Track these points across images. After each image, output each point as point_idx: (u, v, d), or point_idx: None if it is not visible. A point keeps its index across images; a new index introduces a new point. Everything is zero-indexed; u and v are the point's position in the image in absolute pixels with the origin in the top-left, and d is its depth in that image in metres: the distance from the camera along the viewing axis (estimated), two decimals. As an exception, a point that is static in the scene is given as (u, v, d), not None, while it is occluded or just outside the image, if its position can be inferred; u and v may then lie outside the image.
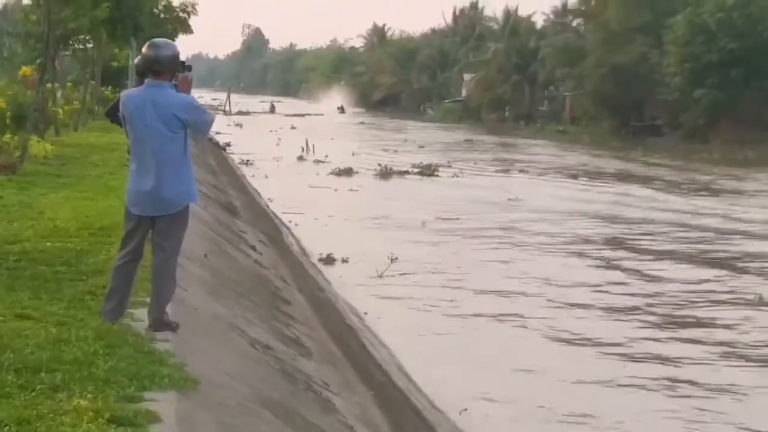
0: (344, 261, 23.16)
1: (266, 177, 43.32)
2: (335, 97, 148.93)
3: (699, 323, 18.70)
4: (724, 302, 20.68)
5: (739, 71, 74.00)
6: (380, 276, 21.50)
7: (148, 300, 8.60)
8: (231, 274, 14.18)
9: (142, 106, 8.26)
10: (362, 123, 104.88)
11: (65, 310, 8.78)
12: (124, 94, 8.71)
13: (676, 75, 78.35)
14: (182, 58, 8.70)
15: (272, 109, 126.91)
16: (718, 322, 18.74)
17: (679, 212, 35.93)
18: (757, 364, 16.07)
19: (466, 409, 12.37)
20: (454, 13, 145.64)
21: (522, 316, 18.53)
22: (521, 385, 14.23)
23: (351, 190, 40.12)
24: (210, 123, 8.75)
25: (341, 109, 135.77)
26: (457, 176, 48.13)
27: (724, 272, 24.15)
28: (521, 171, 51.81)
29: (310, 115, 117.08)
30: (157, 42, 8.57)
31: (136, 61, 8.87)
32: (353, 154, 56.55)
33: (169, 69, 8.38)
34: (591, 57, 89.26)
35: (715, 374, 15.19)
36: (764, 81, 74.07)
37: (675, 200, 40.08)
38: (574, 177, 49.97)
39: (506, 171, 52.16)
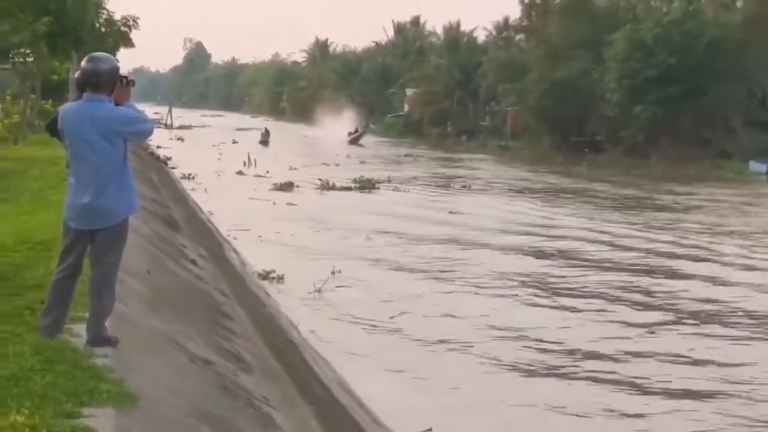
0: (283, 277, 23.08)
1: (206, 191, 43.12)
2: (343, 119, 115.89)
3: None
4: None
5: (677, 87, 74.82)
6: (318, 291, 21.46)
7: (86, 315, 8.53)
8: (171, 289, 14.10)
9: (81, 120, 8.21)
10: (305, 136, 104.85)
11: (2, 326, 8.69)
12: (62, 108, 8.64)
13: (615, 91, 79.12)
14: (124, 71, 8.65)
15: (265, 138, 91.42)
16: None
17: (613, 226, 36.26)
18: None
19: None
20: (395, 27, 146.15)
21: (462, 333, 18.59)
22: (461, 401, 14.27)
23: (290, 204, 40.05)
24: (149, 131, 8.72)
25: (354, 133, 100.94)
26: (398, 191, 48.22)
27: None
28: (463, 186, 52.00)
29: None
30: (96, 56, 8.52)
31: (76, 75, 8.81)
32: (292, 169, 56.47)
33: (108, 83, 8.33)
34: (532, 72, 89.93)
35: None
36: (702, 97, 74.92)
37: (609, 216, 40.43)
38: (515, 192, 50.28)
39: (447, 186, 52.32)
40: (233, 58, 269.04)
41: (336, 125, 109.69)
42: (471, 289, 23.20)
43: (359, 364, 15.64)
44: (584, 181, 57.78)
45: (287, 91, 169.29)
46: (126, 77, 8.71)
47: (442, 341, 17.85)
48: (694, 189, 53.03)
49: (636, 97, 76.54)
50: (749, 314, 21.28)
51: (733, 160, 69.32)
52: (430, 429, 12.54)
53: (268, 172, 53.47)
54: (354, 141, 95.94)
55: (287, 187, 46.82)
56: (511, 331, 18.90)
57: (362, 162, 67.05)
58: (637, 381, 15.61)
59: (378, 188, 48.69)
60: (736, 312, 21.50)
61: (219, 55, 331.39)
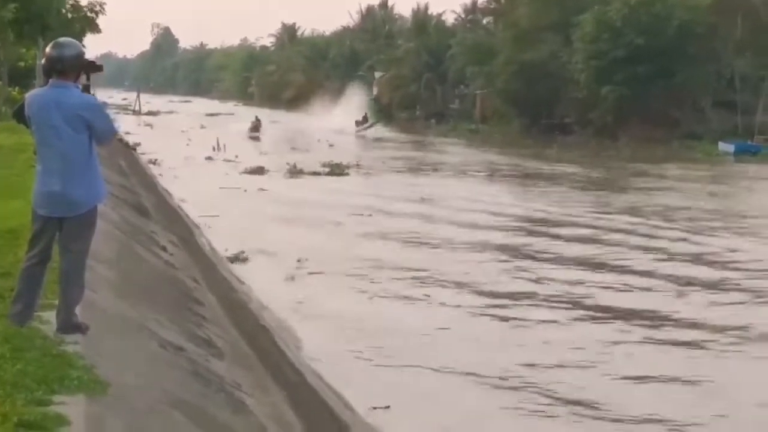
0: (255, 261, 23.07)
1: (175, 177, 42.99)
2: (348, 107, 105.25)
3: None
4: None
5: (645, 68, 74.93)
6: (287, 276, 21.45)
7: (56, 302, 8.48)
8: (141, 276, 14.06)
9: (47, 106, 8.16)
10: (275, 122, 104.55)
11: (-29, 314, 8.64)
12: (29, 94, 8.59)
13: (583, 72, 79.20)
14: (91, 57, 8.59)
15: (256, 128, 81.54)
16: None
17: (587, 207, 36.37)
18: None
19: (376, 408, 12.43)
20: (361, 11, 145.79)
21: (433, 315, 18.63)
22: (431, 383, 14.28)
23: (261, 189, 39.97)
24: (112, 131, 8.65)
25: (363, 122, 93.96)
26: (369, 175, 48.21)
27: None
28: (433, 170, 52.02)
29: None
30: (61, 42, 8.46)
31: (42, 61, 8.75)
32: (261, 153, 56.38)
33: (73, 69, 8.27)
34: (501, 55, 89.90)
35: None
36: (670, 78, 75.12)
37: (580, 197, 40.53)
38: (486, 176, 50.40)
39: (417, 170, 52.33)
40: (201, 43, 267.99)
41: (336, 113, 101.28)
42: (442, 277, 23.18)
43: (332, 347, 15.64)
44: (554, 164, 57.85)
45: (256, 75, 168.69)
46: (94, 62, 8.66)
47: (411, 325, 17.88)
48: (662, 170, 53.18)
49: (604, 78, 76.62)
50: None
51: (702, 141, 69.56)
52: (388, 406, 12.62)
53: (237, 156, 53.38)
54: (363, 130, 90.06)
55: (257, 172, 46.75)
56: (482, 310, 18.95)
57: (331, 146, 66.94)
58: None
59: (348, 173, 48.64)
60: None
61: (187, 41, 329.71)
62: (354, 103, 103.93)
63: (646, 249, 27.04)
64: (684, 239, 29.05)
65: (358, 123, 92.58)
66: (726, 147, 66.22)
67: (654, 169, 53.35)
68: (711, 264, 25.01)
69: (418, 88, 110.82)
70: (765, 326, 18.02)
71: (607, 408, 13.27)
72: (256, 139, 75.11)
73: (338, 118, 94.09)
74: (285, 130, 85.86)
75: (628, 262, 24.88)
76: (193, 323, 12.24)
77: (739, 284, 22.36)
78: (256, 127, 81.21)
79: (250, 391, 10.23)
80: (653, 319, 18.62)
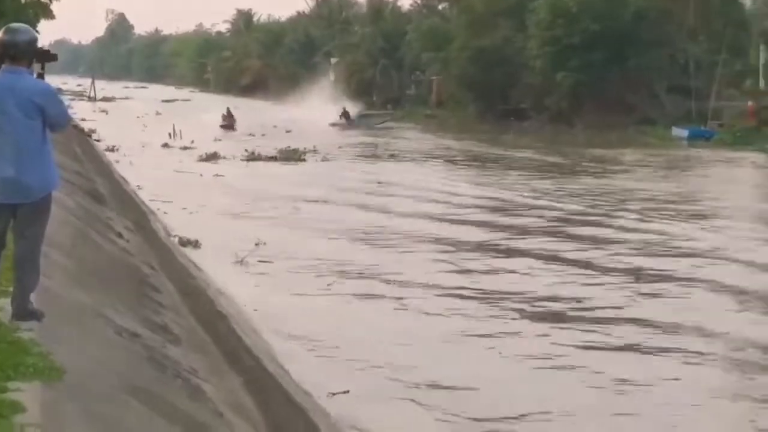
0: (209, 247, 23.02)
1: (131, 164, 42.83)
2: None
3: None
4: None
5: (600, 54, 75.14)
6: (242, 262, 21.42)
7: (11, 289, 8.45)
8: (97, 262, 14.00)
9: (0, 92, 8.12)
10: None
11: (-75, 302, 8.59)
12: (-19, 81, 8.53)
13: (538, 58, 79.31)
14: (45, 44, 8.56)
15: (229, 120, 73.86)
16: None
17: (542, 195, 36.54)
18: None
19: (334, 394, 12.46)
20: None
21: (390, 297, 18.68)
22: (387, 365, 14.33)
23: (217, 175, 39.89)
24: (66, 117, 8.62)
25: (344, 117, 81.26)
26: (326, 161, 48.19)
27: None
28: (390, 156, 52.04)
29: None
30: (14, 27, 8.43)
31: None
32: (217, 140, 56.24)
33: (27, 54, 8.24)
34: (456, 41, 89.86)
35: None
36: (625, 63, 75.40)
37: (537, 185, 40.68)
38: (443, 161, 50.52)
39: (374, 155, 52.34)
40: (156, 29, 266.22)
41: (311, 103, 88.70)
42: (398, 260, 23.24)
43: (287, 332, 15.66)
44: (510, 150, 58.05)
45: (211, 62, 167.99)
46: (48, 51, 8.63)
47: (368, 302, 17.95)
48: (617, 155, 53.45)
49: (559, 64, 76.74)
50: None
51: (656, 126, 69.89)
52: (348, 391, 12.67)
53: (193, 142, 53.24)
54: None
55: (213, 158, 46.67)
56: (435, 292, 19.02)
57: (288, 131, 66.82)
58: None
59: (305, 159, 48.60)
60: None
61: (142, 27, 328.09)
62: (321, 91, 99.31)
63: (597, 241, 27.07)
64: (633, 227, 28.95)
65: (345, 117, 79.88)
66: (679, 132, 66.61)
67: (608, 155, 53.60)
68: (655, 252, 24.76)
69: (374, 74, 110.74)
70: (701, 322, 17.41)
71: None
72: (230, 128, 70.10)
73: (315, 110, 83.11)
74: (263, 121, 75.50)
75: (584, 254, 24.76)
76: (149, 309, 12.21)
77: (681, 273, 21.89)
78: (228, 119, 73.53)
79: (207, 376, 10.22)
80: (593, 309, 18.64)
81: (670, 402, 13.14)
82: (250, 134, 63.31)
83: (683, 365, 14.90)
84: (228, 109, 75.34)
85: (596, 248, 25.05)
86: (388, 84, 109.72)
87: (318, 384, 12.66)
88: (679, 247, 25.15)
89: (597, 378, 14.09)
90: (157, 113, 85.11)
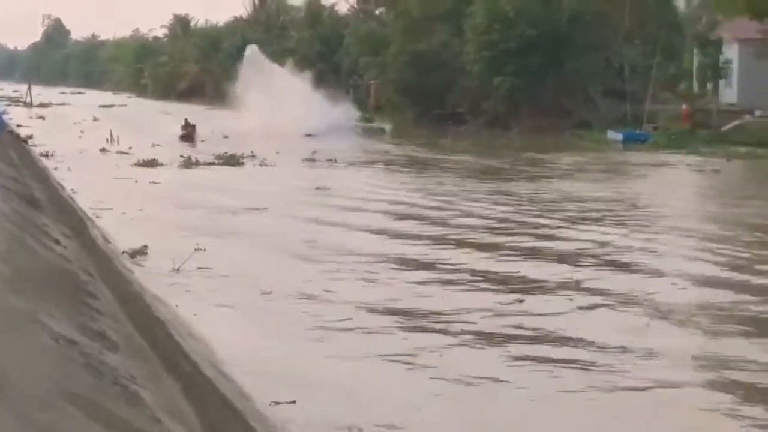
0: (148, 254, 22.98)
1: (69, 169, 42.56)
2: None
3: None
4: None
5: (536, 58, 75.58)
6: (177, 270, 21.38)
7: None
8: (33, 268, 13.92)
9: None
10: (166, 113, 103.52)
11: None
12: None
13: (476, 63, 79.56)
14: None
15: (189, 131, 67.36)
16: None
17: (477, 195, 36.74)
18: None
19: (279, 403, 12.50)
20: (254, 2, 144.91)
21: (326, 309, 18.75)
22: (327, 370, 14.40)
23: (153, 182, 39.75)
24: (2, 124, 8.63)
25: None
26: (264, 165, 48.14)
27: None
28: (328, 160, 52.04)
29: None
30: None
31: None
32: (155, 145, 56.01)
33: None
34: (392, 45, 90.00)
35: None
36: (561, 68, 75.92)
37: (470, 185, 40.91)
38: (382, 165, 50.67)
39: (312, 160, 52.31)
40: (93, 34, 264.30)
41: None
42: (336, 267, 23.29)
43: (223, 338, 15.67)
44: (448, 154, 58.27)
45: (148, 67, 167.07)
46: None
47: (306, 314, 17.98)
48: (552, 159, 53.81)
49: (496, 69, 77.07)
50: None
51: (592, 130, 70.38)
52: (294, 401, 12.67)
53: (131, 148, 53.01)
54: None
55: (150, 164, 46.50)
56: (375, 307, 19.11)
57: (225, 137, 66.61)
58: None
59: (243, 164, 48.53)
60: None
61: (78, 32, 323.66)
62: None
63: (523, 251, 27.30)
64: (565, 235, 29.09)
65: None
66: (615, 135, 67.16)
67: (545, 158, 53.96)
68: (573, 256, 24.86)
69: (312, 78, 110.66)
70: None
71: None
72: (189, 139, 64.02)
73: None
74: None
75: (512, 265, 24.91)
76: (86, 316, 12.16)
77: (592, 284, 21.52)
78: (188, 129, 67.08)
79: (145, 383, 10.22)
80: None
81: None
82: (184, 137, 63.25)
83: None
84: (186, 119, 68.18)
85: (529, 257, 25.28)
86: (326, 88, 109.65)
87: (261, 389, 12.70)
88: (610, 254, 25.27)
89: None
90: (95, 119, 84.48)
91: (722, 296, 19.94)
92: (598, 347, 16.04)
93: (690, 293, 20.44)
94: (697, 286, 21.09)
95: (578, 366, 15.08)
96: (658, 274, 22.22)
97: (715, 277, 22.00)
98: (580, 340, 16.42)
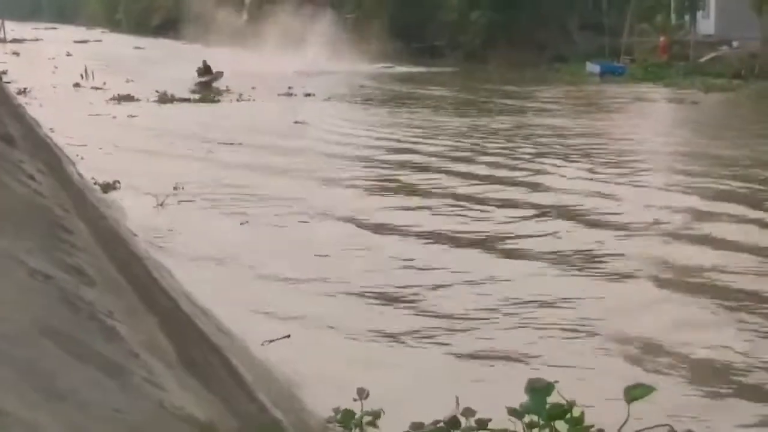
0: (126, 188, 22.89)
1: (43, 106, 42.26)
2: None
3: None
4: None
5: (514, -8, 75.38)
6: (161, 204, 21.33)
7: None
8: (8, 205, 13.82)
9: None
10: (138, 48, 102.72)
11: None
12: None
13: (454, -4, 79.34)
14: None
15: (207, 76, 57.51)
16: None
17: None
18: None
19: (273, 341, 12.49)
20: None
21: (309, 244, 18.73)
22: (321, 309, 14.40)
23: (130, 116, 39.57)
24: None
25: None
26: (241, 101, 47.91)
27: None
28: (306, 95, 51.77)
29: None
30: None
31: None
32: (129, 81, 55.65)
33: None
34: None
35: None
36: (538, 2, 75.71)
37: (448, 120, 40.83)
38: (361, 100, 50.53)
39: (290, 94, 52.08)
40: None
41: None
42: (311, 204, 23.27)
43: (204, 275, 15.63)
44: (427, 87, 58.14)
45: (123, 2, 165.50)
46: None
47: (289, 250, 17.97)
48: (532, 92, 53.79)
49: (473, 3, 76.90)
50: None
51: (569, 63, 70.33)
52: (288, 335, 12.65)
53: (105, 83, 52.66)
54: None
55: (126, 99, 46.24)
56: (352, 231, 19.11)
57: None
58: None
59: (219, 100, 48.31)
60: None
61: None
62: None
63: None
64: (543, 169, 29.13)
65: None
66: (592, 68, 67.11)
67: (522, 92, 53.90)
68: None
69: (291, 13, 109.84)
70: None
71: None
72: (208, 87, 55.05)
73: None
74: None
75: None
76: (62, 251, 12.07)
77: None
78: (207, 75, 57.42)
79: (122, 318, 10.18)
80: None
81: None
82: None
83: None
84: (204, 61, 58.75)
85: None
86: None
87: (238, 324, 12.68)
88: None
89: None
90: (68, 54, 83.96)
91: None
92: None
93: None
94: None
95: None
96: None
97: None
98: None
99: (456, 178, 25.97)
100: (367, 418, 8.11)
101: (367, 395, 8.27)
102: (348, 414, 8.29)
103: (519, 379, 7.45)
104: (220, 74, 57.19)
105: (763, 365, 11.87)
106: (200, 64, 58.72)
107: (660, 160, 29.53)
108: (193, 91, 52.02)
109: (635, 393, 6.17)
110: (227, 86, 52.44)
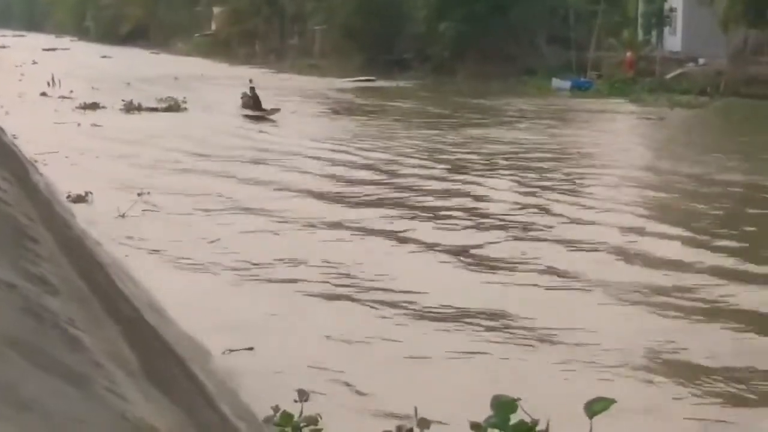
0: (91, 199, 22.82)
1: (8, 113, 42.04)
2: None
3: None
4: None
5: (482, 5, 75.40)
6: (122, 216, 21.26)
7: None
8: (-28, 213, 13.79)
9: None
10: (105, 57, 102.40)
11: None
12: None
13: (422, 9, 79.40)
14: None
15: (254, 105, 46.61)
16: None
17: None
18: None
19: (233, 351, 12.48)
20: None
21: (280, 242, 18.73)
22: (280, 320, 14.41)
23: (94, 125, 39.44)
24: None
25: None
26: (207, 111, 47.83)
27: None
28: (273, 108, 51.58)
29: None
30: None
31: None
32: (94, 89, 55.48)
33: None
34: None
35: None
36: (506, 15, 75.88)
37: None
38: (330, 113, 50.60)
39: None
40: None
41: None
42: (277, 220, 23.28)
43: (169, 285, 15.62)
44: (395, 99, 58.17)
45: (91, 10, 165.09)
46: None
47: (250, 263, 17.98)
48: (500, 105, 53.95)
49: (442, 15, 76.94)
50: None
51: (536, 77, 70.51)
52: (252, 348, 12.64)
53: (72, 92, 52.47)
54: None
55: (91, 107, 46.12)
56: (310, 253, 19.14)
57: (176, 79, 66.21)
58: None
59: (186, 109, 48.18)
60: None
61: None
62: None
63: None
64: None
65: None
66: (558, 83, 67.30)
67: (490, 105, 54.04)
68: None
69: (257, 23, 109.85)
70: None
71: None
72: (265, 117, 45.13)
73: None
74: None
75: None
76: (26, 260, 12.06)
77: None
78: (258, 108, 46.01)
79: (86, 327, 10.17)
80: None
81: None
82: (128, 83, 62.53)
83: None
84: (252, 88, 47.86)
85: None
86: (271, 34, 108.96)
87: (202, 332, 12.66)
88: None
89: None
90: (34, 62, 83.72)
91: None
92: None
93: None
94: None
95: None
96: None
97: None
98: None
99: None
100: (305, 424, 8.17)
101: (307, 398, 8.31)
102: (286, 417, 8.31)
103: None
104: (276, 111, 46.14)
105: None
106: (246, 90, 47.60)
107: (606, 174, 29.52)
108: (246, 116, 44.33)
109: (596, 407, 6.22)
110: (194, 96, 52.28)
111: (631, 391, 11.59)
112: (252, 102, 45.96)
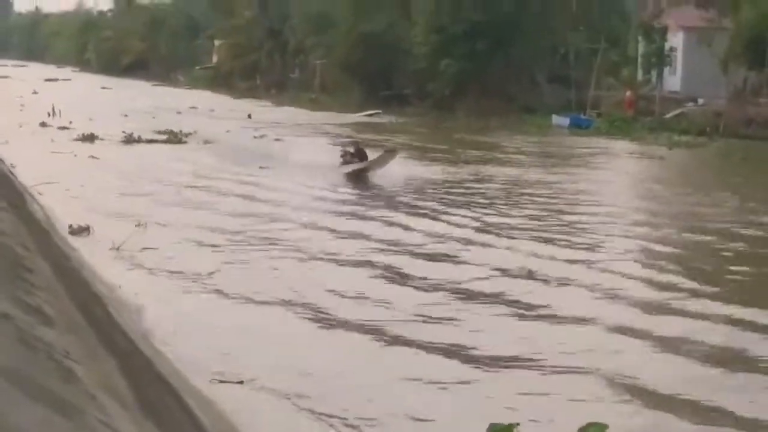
0: (89, 230, 22.76)
1: (7, 143, 42.09)
2: None
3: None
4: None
5: (483, 43, 75.65)
6: (117, 249, 21.12)
7: None
8: (-31, 242, 13.75)
9: None
10: (105, 88, 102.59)
11: None
12: None
13: (423, 45, 79.59)
14: None
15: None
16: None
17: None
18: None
19: (224, 381, 12.43)
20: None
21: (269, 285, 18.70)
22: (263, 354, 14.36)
23: (92, 157, 39.44)
24: None
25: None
26: (208, 143, 47.84)
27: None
28: (275, 140, 51.61)
29: None
30: None
31: None
32: (91, 120, 55.51)
33: None
34: (340, 26, 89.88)
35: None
36: (507, 53, 76.15)
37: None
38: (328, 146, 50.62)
39: (262, 136, 52.03)
40: (36, 7, 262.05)
41: None
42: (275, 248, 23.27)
43: (164, 317, 15.58)
44: (394, 134, 58.20)
45: (92, 41, 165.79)
46: None
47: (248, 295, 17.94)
48: (498, 142, 53.97)
49: (443, 52, 77.11)
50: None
51: (536, 115, 70.62)
52: (242, 381, 12.58)
53: (71, 122, 52.53)
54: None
55: (89, 139, 46.15)
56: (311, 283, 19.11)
57: (179, 113, 66.38)
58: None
59: (186, 142, 48.21)
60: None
61: (22, 4, 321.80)
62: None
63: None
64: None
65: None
66: (558, 120, 67.41)
67: (489, 142, 54.06)
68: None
69: (259, 57, 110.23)
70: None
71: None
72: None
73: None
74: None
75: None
76: (22, 290, 12.03)
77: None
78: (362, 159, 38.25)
79: (80, 358, 10.13)
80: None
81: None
82: (124, 114, 62.66)
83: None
84: (357, 143, 41.01)
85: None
86: (273, 67, 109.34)
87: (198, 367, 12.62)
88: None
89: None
90: (34, 92, 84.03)
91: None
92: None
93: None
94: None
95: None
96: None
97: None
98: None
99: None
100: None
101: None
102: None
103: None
104: (392, 154, 40.23)
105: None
106: (348, 148, 40.22)
107: (589, 215, 29.35)
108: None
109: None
110: (195, 130, 52.30)
111: None
112: (357, 156, 38.54)
